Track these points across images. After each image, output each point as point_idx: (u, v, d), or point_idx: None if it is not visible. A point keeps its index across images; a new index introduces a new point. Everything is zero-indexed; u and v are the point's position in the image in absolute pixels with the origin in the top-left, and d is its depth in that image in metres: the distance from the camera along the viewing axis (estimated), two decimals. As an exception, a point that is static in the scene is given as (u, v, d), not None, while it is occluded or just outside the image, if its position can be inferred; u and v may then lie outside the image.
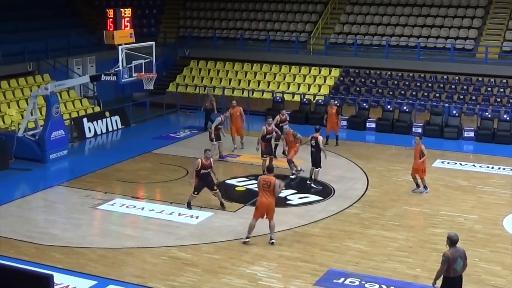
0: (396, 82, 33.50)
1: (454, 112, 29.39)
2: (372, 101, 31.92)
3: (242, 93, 34.50)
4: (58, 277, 13.90)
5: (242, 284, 14.72)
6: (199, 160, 18.95)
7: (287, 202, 20.06)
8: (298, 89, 34.40)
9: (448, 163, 24.63)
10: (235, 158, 24.92)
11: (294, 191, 21.04)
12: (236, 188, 21.08)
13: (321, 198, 20.58)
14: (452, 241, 12.38)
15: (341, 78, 34.52)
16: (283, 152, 23.62)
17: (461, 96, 31.73)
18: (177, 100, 33.85)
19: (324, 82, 34.44)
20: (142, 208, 19.52)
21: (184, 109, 33.57)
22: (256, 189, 19.35)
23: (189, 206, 19.26)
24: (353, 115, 30.74)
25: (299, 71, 35.36)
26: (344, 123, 30.27)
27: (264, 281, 14.92)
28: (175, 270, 15.40)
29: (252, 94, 34.25)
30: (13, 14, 33.87)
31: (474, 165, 24.42)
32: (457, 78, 32.64)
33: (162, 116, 32.72)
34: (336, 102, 30.17)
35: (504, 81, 31.94)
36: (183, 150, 25.98)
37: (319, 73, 34.95)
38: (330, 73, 34.77)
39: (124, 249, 16.69)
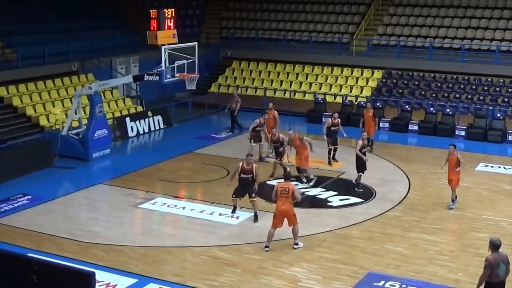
0: (439, 84, 33.18)
1: (499, 115, 28.99)
2: (414, 103, 31.66)
3: (284, 94, 34.52)
4: (99, 275, 14.07)
5: (282, 285, 14.72)
6: (240, 164, 18.72)
7: (328, 203, 19.99)
8: (340, 90, 34.28)
9: (491, 166, 24.31)
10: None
11: (335, 193, 20.95)
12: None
13: (362, 200, 20.47)
14: (494, 246, 12.22)
15: (384, 80, 34.31)
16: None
17: (506, 99, 31.30)
18: (219, 100, 33.95)
19: (367, 83, 34.28)
20: (183, 208, 19.62)
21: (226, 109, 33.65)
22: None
23: (233, 211, 19.03)
24: (395, 117, 30.52)
25: (341, 73, 35.24)
26: (386, 125, 30.11)
27: (304, 282, 14.89)
28: (215, 270, 15.45)
29: (294, 95, 34.23)
30: (58, 14, 34.32)
31: (518, 169, 24.08)
32: (502, 80, 32.21)
33: (204, 116, 32.86)
34: (376, 104, 30.13)
35: (551, 84, 31.47)
36: (225, 150, 26.05)
37: (361, 74, 34.79)
38: (372, 75, 34.59)
39: (165, 248, 16.80)
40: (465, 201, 20.30)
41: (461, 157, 19.70)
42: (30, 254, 14.88)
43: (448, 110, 29.83)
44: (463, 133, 28.64)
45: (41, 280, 9.97)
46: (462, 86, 32.73)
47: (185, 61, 24.86)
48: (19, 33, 30.64)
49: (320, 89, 34.63)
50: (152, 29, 24.40)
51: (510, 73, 32.01)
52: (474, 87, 32.55)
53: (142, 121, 29.35)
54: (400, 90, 33.32)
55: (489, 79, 32.52)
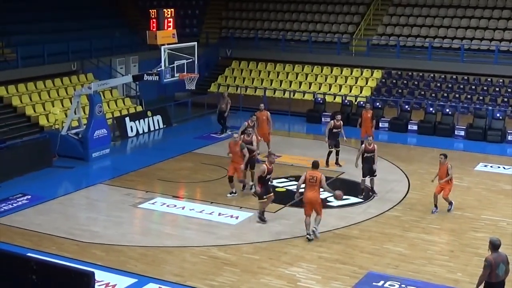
0: (438, 84, 33.18)
1: (498, 115, 29.01)
2: (414, 103, 31.66)
3: (284, 94, 34.53)
4: (99, 275, 14.06)
5: (281, 285, 14.72)
6: (265, 165, 18.37)
7: (327, 203, 20.00)
8: (340, 90, 34.27)
9: (491, 166, 24.32)
10: (275, 158, 24.82)
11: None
12: (277, 189, 21.03)
13: (361, 200, 20.49)
14: (494, 246, 12.22)
15: (383, 80, 34.31)
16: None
17: (505, 99, 31.30)
18: (219, 100, 33.86)
19: (366, 83, 34.27)
20: (183, 208, 19.63)
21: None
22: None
23: (261, 218, 18.48)
24: (395, 117, 30.54)
25: (341, 73, 35.23)
26: (386, 125, 30.13)
27: (303, 282, 14.90)
28: (215, 270, 15.46)
29: (294, 95, 34.23)
30: (58, 14, 34.35)
31: (517, 169, 24.09)
32: (501, 80, 32.20)
33: (204, 116, 32.87)
34: (376, 104, 30.17)
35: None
36: (224, 150, 25.98)
37: (361, 74, 34.78)
38: (372, 75, 34.58)
39: (164, 247, 16.81)
40: (464, 201, 20.32)
41: (450, 168, 19.15)
42: (29, 254, 14.90)
43: (447, 110, 29.84)
44: (462, 133, 28.67)
45: (41, 280, 9.96)
46: (461, 86, 32.73)
47: (184, 61, 24.89)
48: (18, 33, 30.66)
49: (319, 89, 34.63)
50: (151, 29, 24.43)
51: (510, 73, 32.00)
52: (473, 87, 32.55)
53: (141, 121, 29.37)
54: (400, 90, 33.33)
55: (489, 79, 32.52)
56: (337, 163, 23.83)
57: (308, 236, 17.10)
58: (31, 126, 27.25)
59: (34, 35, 31.22)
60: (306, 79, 35.54)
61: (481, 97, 31.69)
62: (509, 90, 31.76)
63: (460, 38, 34.57)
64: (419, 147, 27.64)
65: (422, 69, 33.96)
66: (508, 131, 28.23)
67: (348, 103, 31.92)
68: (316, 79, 35.37)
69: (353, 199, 20.47)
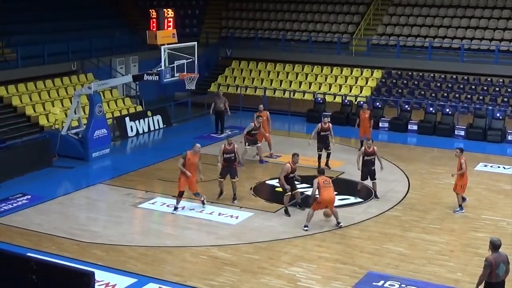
0: (438, 84, 33.18)
1: (498, 114, 29.01)
2: (414, 103, 31.66)
3: (284, 94, 34.53)
4: (99, 274, 14.07)
5: (281, 285, 14.72)
6: (288, 165, 18.77)
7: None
8: (340, 90, 34.27)
9: (491, 166, 24.32)
10: (276, 158, 24.88)
11: (335, 193, 20.90)
12: (276, 189, 21.03)
13: (361, 200, 20.48)
14: (494, 246, 12.22)
15: (383, 80, 34.31)
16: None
17: (505, 99, 31.30)
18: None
19: (366, 83, 34.27)
20: (183, 207, 19.60)
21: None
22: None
23: (287, 212, 19.06)
24: (395, 117, 30.54)
25: (341, 72, 35.22)
26: (386, 125, 30.13)
27: (303, 282, 14.90)
28: (215, 270, 15.46)
29: (294, 95, 34.22)
30: (58, 14, 34.35)
31: (517, 169, 24.09)
32: (501, 80, 32.20)
33: (204, 116, 32.86)
34: (376, 104, 30.18)
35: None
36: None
37: (361, 74, 34.78)
38: (372, 75, 34.58)
39: (164, 247, 16.81)
40: (464, 201, 20.27)
41: (463, 163, 19.18)
42: (29, 254, 14.90)
43: (447, 110, 29.84)
44: (462, 133, 28.67)
45: (41, 280, 9.96)
46: (461, 86, 32.73)
47: (184, 61, 24.87)
48: (18, 33, 30.66)
49: (319, 89, 34.62)
50: (151, 29, 24.43)
51: (510, 73, 31.99)
52: (473, 87, 32.55)
53: (141, 120, 29.38)
54: (400, 90, 33.32)
55: (489, 79, 32.52)
56: (326, 164, 23.49)
57: (305, 228, 17.73)
58: (31, 126, 27.25)
59: (34, 35, 31.22)
60: (306, 79, 35.54)
61: (481, 97, 31.69)
62: (509, 90, 31.75)
63: (460, 38, 34.57)
64: (419, 147, 27.64)
65: (422, 69, 33.96)
66: (508, 131, 28.23)
67: (348, 103, 31.92)
68: (316, 79, 35.37)
69: (353, 199, 20.47)
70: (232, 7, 41.67)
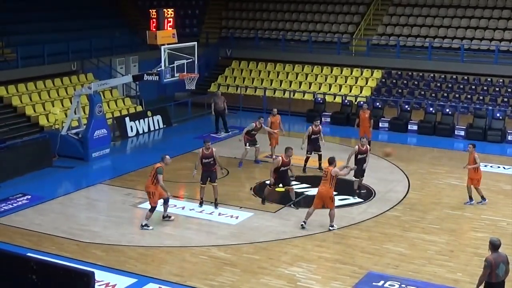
0: (438, 84, 33.18)
1: (498, 115, 29.01)
2: (414, 103, 31.67)
3: (284, 94, 34.53)
4: (98, 274, 14.07)
5: (281, 285, 14.72)
6: (280, 158, 19.39)
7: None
8: (340, 90, 34.27)
9: (491, 166, 24.30)
10: (276, 158, 24.80)
11: (335, 193, 20.86)
12: (276, 189, 21.04)
13: (361, 200, 20.48)
14: (494, 246, 12.22)
15: (383, 80, 34.31)
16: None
17: (505, 99, 31.31)
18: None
19: (366, 83, 34.27)
20: (183, 207, 19.62)
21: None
22: (298, 190, 19.72)
23: (263, 201, 19.77)
24: (394, 117, 30.54)
25: (341, 72, 35.23)
26: (386, 125, 30.13)
27: (303, 282, 14.90)
28: (214, 270, 15.46)
29: (294, 95, 34.22)
30: (58, 14, 34.34)
31: (517, 169, 24.08)
32: (501, 80, 32.21)
33: (204, 116, 32.85)
34: (376, 104, 30.19)
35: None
36: (224, 150, 26.02)
37: (361, 74, 34.78)
38: (372, 75, 34.58)
39: (164, 247, 16.81)
40: (464, 201, 20.29)
41: (477, 157, 19.77)
42: (29, 254, 14.92)
43: (447, 110, 29.84)
44: (462, 133, 28.66)
45: (41, 280, 9.97)
46: (461, 86, 32.73)
47: (184, 61, 24.88)
48: (18, 33, 30.65)
49: (319, 89, 34.62)
50: (151, 29, 24.43)
51: (510, 73, 32.00)
52: (473, 87, 32.55)
53: (141, 121, 29.37)
54: (400, 90, 33.33)
55: (489, 79, 32.52)
56: (319, 168, 23.18)
57: (303, 224, 17.82)
58: (31, 126, 27.24)
59: (34, 35, 31.22)
60: (306, 79, 35.54)
61: (481, 97, 31.69)
62: (509, 90, 31.76)
63: (460, 38, 34.57)
64: (419, 147, 27.64)
65: (422, 69, 33.96)
66: (508, 131, 28.23)
67: (348, 103, 31.92)
68: (316, 79, 35.37)
69: (353, 199, 20.46)
70: (232, 7, 41.67)
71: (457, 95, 32.14)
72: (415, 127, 29.68)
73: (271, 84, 35.66)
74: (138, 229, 18.17)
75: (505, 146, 27.75)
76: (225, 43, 39.06)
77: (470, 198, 20.07)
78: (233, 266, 15.69)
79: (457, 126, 29.15)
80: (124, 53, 34.54)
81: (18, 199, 20.19)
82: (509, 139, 28.09)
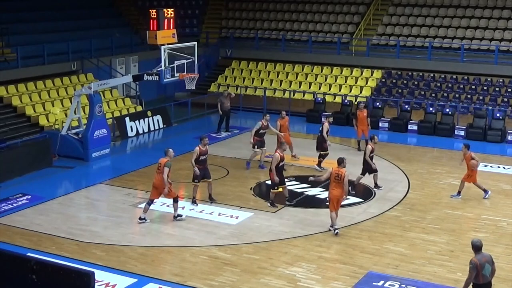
0: (438, 84, 33.19)
1: (498, 115, 29.01)
2: (414, 103, 31.66)
3: (284, 94, 34.53)
4: (98, 274, 14.08)
5: (281, 285, 14.72)
6: (277, 154, 19.28)
7: (327, 203, 19.96)
8: (340, 90, 34.27)
9: (491, 166, 24.31)
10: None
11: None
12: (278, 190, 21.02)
13: (361, 200, 20.48)
14: (476, 247, 12.23)
15: (383, 80, 34.32)
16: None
17: (505, 99, 31.31)
18: (219, 100, 33.94)
19: (366, 83, 34.27)
20: (183, 208, 19.58)
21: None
22: (298, 190, 19.63)
23: (273, 205, 19.57)
24: (394, 117, 30.54)
25: (341, 72, 35.23)
26: (386, 125, 30.13)
27: (303, 282, 14.90)
28: (214, 270, 15.46)
29: (294, 95, 34.22)
30: (58, 14, 34.37)
31: (517, 169, 24.08)
32: (501, 80, 32.21)
33: (204, 116, 32.86)
34: (376, 104, 30.22)
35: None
36: (224, 150, 26.07)
37: (361, 74, 34.78)
38: (372, 75, 34.59)
39: (164, 247, 16.81)
40: (464, 201, 20.32)
41: (474, 156, 20.36)
42: (29, 254, 14.92)
43: (447, 110, 29.83)
44: (462, 133, 28.66)
45: (41, 280, 9.96)
46: (461, 86, 32.73)
47: (184, 61, 24.86)
48: (18, 33, 30.65)
49: (319, 89, 34.63)
50: (151, 29, 24.41)
51: (510, 73, 31.99)
52: (473, 87, 32.55)
53: (141, 120, 29.37)
54: (400, 90, 33.33)
55: (489, 79, 32.52)
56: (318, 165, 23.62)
57: (331, 229, 17.61)
58: (31, 126, 27.26)
59: (34, 35, 31.24)
60: (306, 79, 35.54)
61: (481, 97, 31.69)
62: (509, 90, 31.76)
63: (460, 38, 34.58)
64: (419, 147, 27.63)
65: (422, 69, 33.97)
66: (508, 131, 28.23)
67: (348, 103, 31.92)
68: (316, 79, 35.37)
69: (353, 199, 20.45)
70: (232, 7, 41.68)
71: (457, 95, 32.15)
72: (415, 127, 29.69)
73: (271, 84, 35.66)
74: (138, 229, 18.17)
75: (505, 146, 27.75)
76: (225, 43, 39.06)
77: (459, 192, 20.67)
78: (233, 266, 15.69)
79: (457, 126, 29.15)
80: (124, 53, 34.56)
81: (18, 199, 20.19)
82: (509, 139, 28.09)
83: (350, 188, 20.69)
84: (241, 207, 19.54)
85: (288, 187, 21.25)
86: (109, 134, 25.82)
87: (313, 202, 20.34)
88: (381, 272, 15.40)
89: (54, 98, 29.26)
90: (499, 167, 24.34)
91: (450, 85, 32.94)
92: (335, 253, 16.46)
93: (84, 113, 26.09)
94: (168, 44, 24.46)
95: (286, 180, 20.14)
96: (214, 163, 24.26)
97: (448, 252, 16.62)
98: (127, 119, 28.86)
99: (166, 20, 24.50)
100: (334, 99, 33.40)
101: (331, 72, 35.38)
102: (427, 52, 33.96)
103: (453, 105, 30.84)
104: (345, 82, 34.70)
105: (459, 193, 20.65)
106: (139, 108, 31.39)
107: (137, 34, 36.84)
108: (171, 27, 24.74)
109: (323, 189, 21.23)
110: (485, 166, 24.31)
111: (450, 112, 29.70)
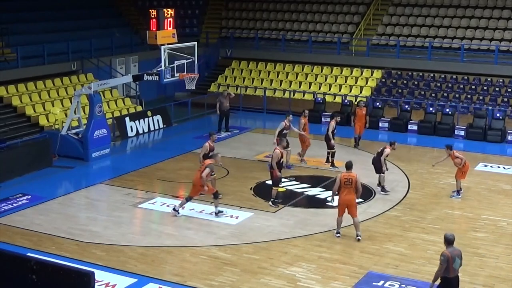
0: (438, 84, 33.19)
1: (498, 115, 29.01)
2: (414, 103, 31.67)
3: (284, 94, 34.52)
4: (98, 274, 14.06)
5: (281, 285, 14.72)
6: (278, 150, 19.39)
7: (327, 203, 19.98)
8: (340, 90, 34.27)
9: (491, 166, 24.32)
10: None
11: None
12: (279, 189, 21.03)
13: (361, 200, 20.45)
14: (448, 240, 12.42)
15: (383, 80, 34.32)
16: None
17: (505, 99, 31.31)
18: (219, 100, 33.94)
19: (366, 83, 34.27)
20: (183, 207, 19.59)
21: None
22: (298, 190, 19.68)
23: (274, 203, 19.60)
24: (394, 117, 30.54)
25: (341, 72, 35.23)
26: (386, 125, 30.13)
27: (303, 282, 14.89)
28: (214, 270, 15.45)
29: (294, 95, 34.22)
30: (58, 14, 34.37)
31: (517, 169, 24.09)
32: (501, 80, 32.21)
33: (204, 116, 32.86)
34: (376, 104, 30.23)
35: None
36: (224, 150, 26.00)
37: (361, 74, 34.78)
38: (372, 75, 34.59)
39: (164, 247, 16.80)
40: (464, 201, 20.33)
41: (458, 154, 20.71)
42: (29, 254, 14.90)
43: (447, 110, 29.84)
44: (462, 133, 28.67)
45: (41, 280, 9.96)
46: (461, 86, 32.73)
47: (184, 61, 24.86)
48: (18, 33, 30.65)
49: (319, 89, 34.63)
50: (151, 29, 24.41)
51: (510, 73, 31.99)
52: (473, 87, 32.55)
53: (141, 120, 29.36)
54: (400, 90, 33.33)
55: (489, 79, 32.53)
56: (329, 162, 23.74)
57: (336, 234, 17.42)
58: (31, 126, 27.25)
59: (34, 35, 31.23)
60: (306, 79, 35.54)
61: (481, 97, 31.69)
62: (509, 90, 31.76)
63: (460, 38, 34.58)
64: (419, 147, 27.64)
65: (422, 69, 33.98)
66: (508, 131, 28.23)
67: (348, 103, 31.92)
68: (316, 79, 35.37)
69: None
70: (232, 7, 41.69)
71: (457, 95, 32.15)
72: (415, 127, 29.69)
73: (271, 84, 35.66)
74: (138, 229, 18.16)
75: (505, 146, 27.76)
76: (225, 43, 39.07)
77: (458, 192, 20.79)
78: (233, 266, 15.69)
79: (457, 126, 29.16)
80: (124, 53, 34.56)
81: (18, 199, 20.19)
82: (509, 139, 28.10)
83: (380, 189, 21.03)
84: (241, 207, 19.54)
85: (288, 187, 21.31)
86: (109, 134, 25.82)
87: (313, 202, 20.33)
88: (381, 272, 15.39)
89: (54, 98, 29.25)
90: (499, 167, 24.34)
91: (450, 85, 32.94)
92: (335, 253, 16.46)
93: (84, 113, 26.09)
94: (168, 44, 24.47)
95: (286, 180, 20.09)
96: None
97: (448, 252, 16.61)
98: (127, 119, 28.86)
99: (166, 20, 24.50)
100: (334, 99, 33.40)
101: (331, 72, 35.38)
102: (427, 52, 33.96)
103: (453, 105, 30.85)
104: (345, 82, 34.70)
105: (458, 192, 20.69)
106: (139, 108, 31.39)
107: (137, 34, 36.84)
108: (171, 27, 24.75)
109: (323, 189, 21.26)
110: (485, 166, 24.32)
111: (450, 112, 29.70)
